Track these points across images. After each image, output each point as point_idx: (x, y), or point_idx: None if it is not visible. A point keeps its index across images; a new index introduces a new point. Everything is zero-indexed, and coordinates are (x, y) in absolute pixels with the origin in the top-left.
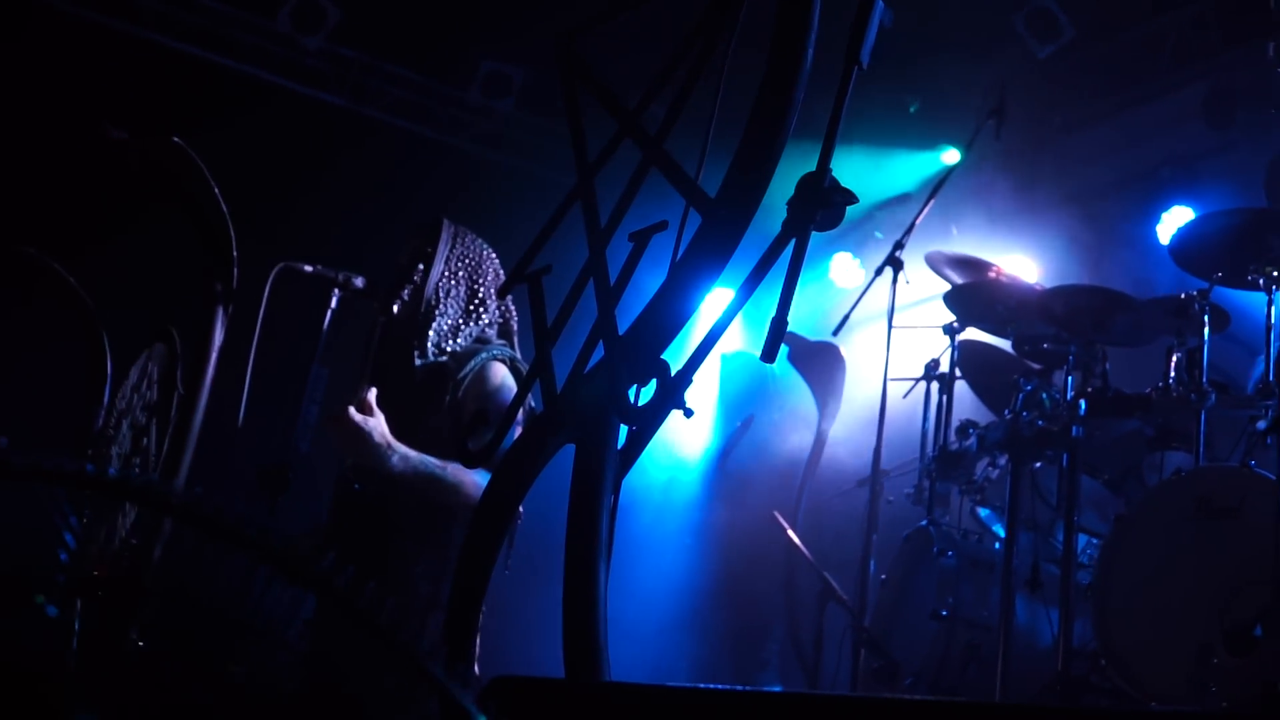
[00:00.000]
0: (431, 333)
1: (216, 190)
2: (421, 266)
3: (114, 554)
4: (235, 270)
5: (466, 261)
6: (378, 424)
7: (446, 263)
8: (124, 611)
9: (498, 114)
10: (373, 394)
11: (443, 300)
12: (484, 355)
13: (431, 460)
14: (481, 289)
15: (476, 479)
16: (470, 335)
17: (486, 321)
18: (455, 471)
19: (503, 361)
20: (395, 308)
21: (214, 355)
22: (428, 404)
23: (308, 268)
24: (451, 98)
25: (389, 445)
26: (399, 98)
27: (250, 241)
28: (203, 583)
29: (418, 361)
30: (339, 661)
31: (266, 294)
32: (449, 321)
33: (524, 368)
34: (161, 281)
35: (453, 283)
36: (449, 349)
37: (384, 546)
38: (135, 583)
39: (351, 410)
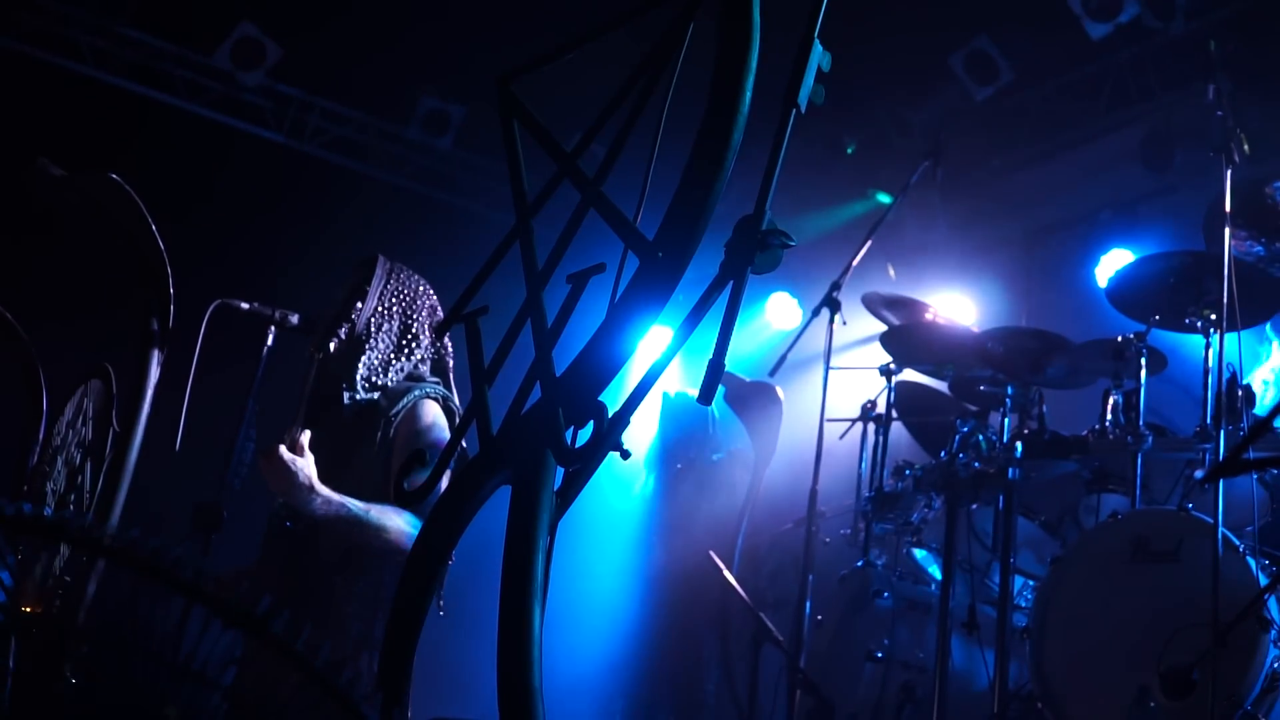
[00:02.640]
0: (361, 366)
1: (154, 227)
2: (360, 305)
3: (47, 591)
4: (172, 307)
5: (401, 296)
6: (305, 465)
7: (380, 297)
8: (57, 650)
9: (437, 151)
10: (306, 436)
11: (374, 334)
12: (416, 393)
13: (354, 503)
14: (415, 324)
15: (402, 523)
16: (402, 371)
17: (419, 357)
18: (380, 514)
19: (434, 400)
20: (332, 346)
21: (149, 392)
22: (359, 442)
23: (244, 305)
24: (391, 135)
25: (312, 488)
26: (338, 135)
27: (187, 278)
28: (138, 623)
29: (346, 398)
30: (270, 702)
31: (203, 331)
32: (379, 356)
33: (456, 406)
34: (98, 317)
35: (385, 318)
36: (379, 383)
37: (315, 585)
38: (69, 621)
39: (282, 449)
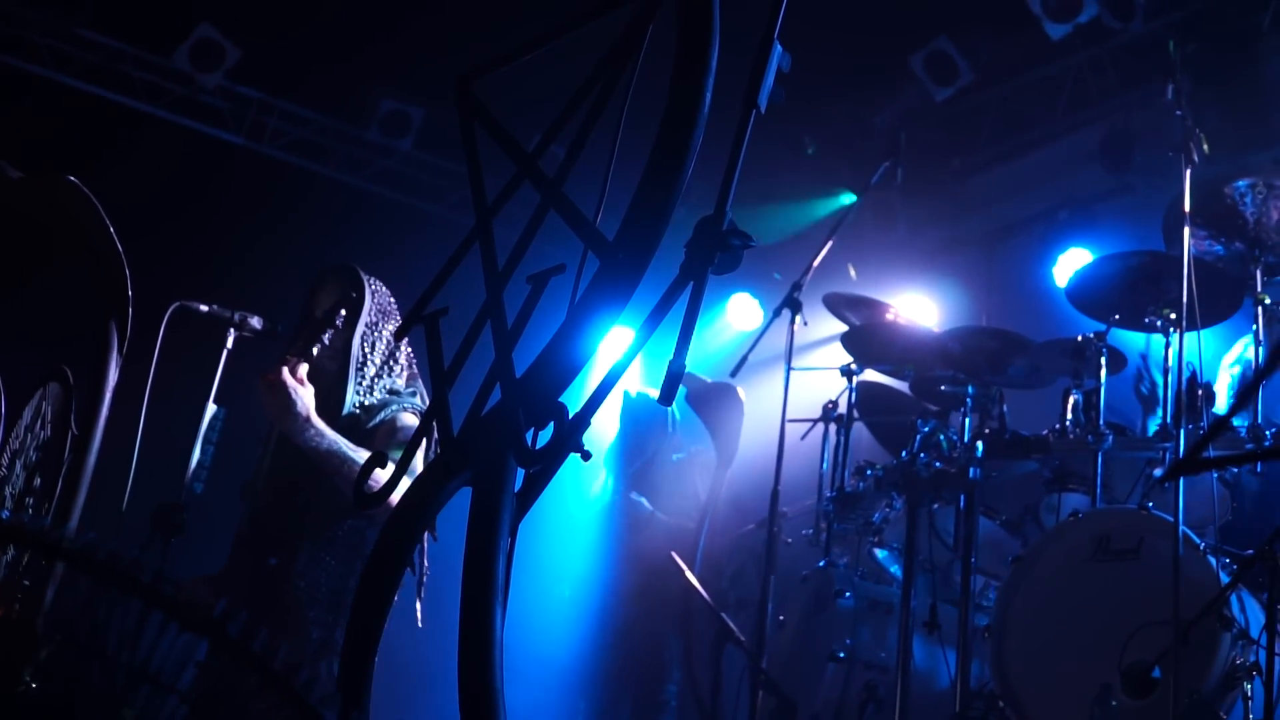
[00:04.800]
0: (357, 389)
1: (112, 229)
2: (345, 312)
3: (6, 595)
4: (130, 310)
5: (384, 311)
6: (307, 394)
7: (369, 313)
8: (17, 654)
9: (397, 153)
10: (304, 369)
11: (369, 354)
12: (394, 407)
13: (344, 442)
14: (394, 339)
15: (384, 476)
16: (385, 387)
17: (397, 371)
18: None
19: (412, 413)
20: (315, 350)
21: (108, 395)
22: None
23: (203, 307)
24: (350, 136)
25: (309, 418)
26: (297, 136)
27: (146, 280)
28: (96, 627)
29: (343, 413)
30: (229, 706)
31: (161, 333)
32: (368, 377)
33: None
34: (56, 320)
35: (374, 335)
36: (366, 402)
37: (278, 591)
38: (28, 624)
39: (285, 373)
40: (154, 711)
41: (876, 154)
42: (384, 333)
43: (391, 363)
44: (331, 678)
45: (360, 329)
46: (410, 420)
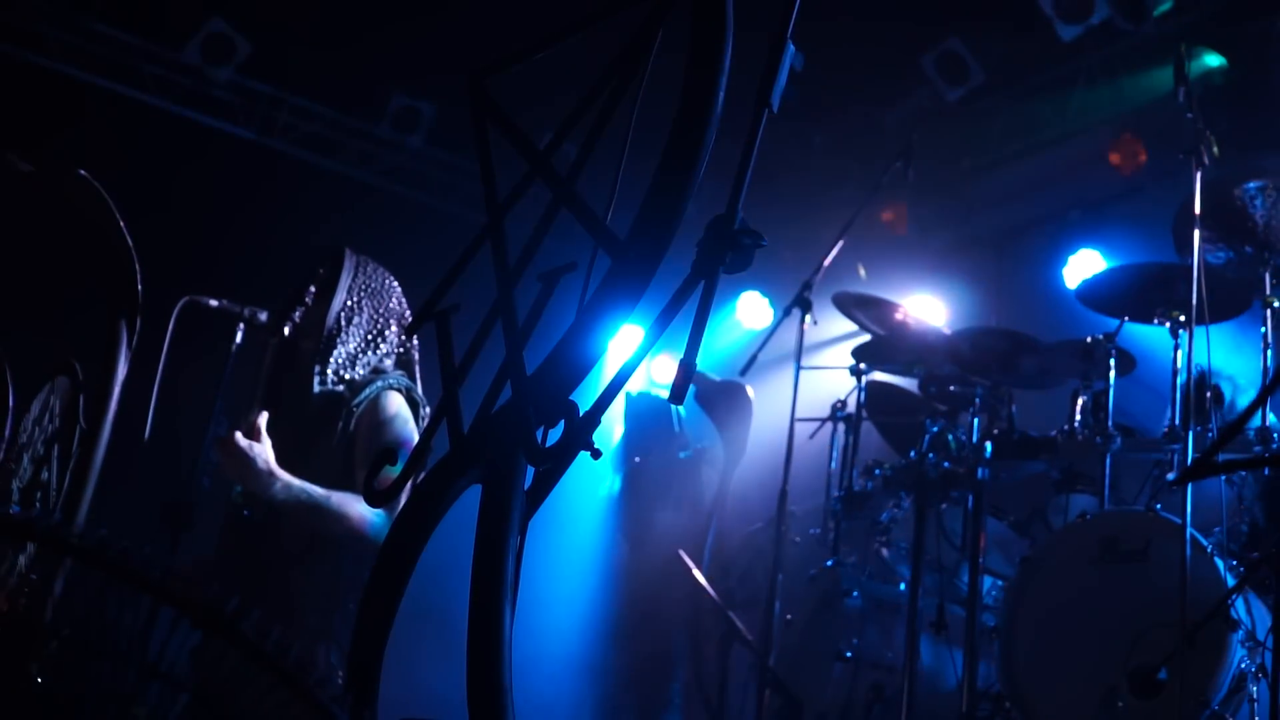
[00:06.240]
0: (332, 360)
1: (122, 223)
2: (314, 288)
3: (13, 590)
4: (140, 304)
5: (369, 290)
6: (262, 450)
7: (349, 291)
8: (24, 650)
9: (408, 149)
10: (263, 419)
11: (344, 329)
12: (379, 384)
13: (315, 490)
14: (382, 319)
15: (363, 510)
16: (368, 365)
17: (385, 351)
18: (340, 501)
19: (398, 391)
20: (286, 329)
21: (117, 389)
22: (320, 432)
23: (213, 302)
24: (361, 132)
25: (271, 472)
26: (308, 131)
27: (155, 275)
28: (105, 622)
29: (316, 387)
30: (230, 698)
31: (171, 328)
32: (348, 350)
33: (420, 397)
34: (65, 314)
35: (355, 311)
36: (347, 377)
37: (271, 575)
38: (35, 620)
39: (238, 435)
40: (165, 710)
41: (888, 154)
42: (365, 311)
43: (380, 341)
44: (329, 665)
45: (334, 305)
46: (396, 400)
